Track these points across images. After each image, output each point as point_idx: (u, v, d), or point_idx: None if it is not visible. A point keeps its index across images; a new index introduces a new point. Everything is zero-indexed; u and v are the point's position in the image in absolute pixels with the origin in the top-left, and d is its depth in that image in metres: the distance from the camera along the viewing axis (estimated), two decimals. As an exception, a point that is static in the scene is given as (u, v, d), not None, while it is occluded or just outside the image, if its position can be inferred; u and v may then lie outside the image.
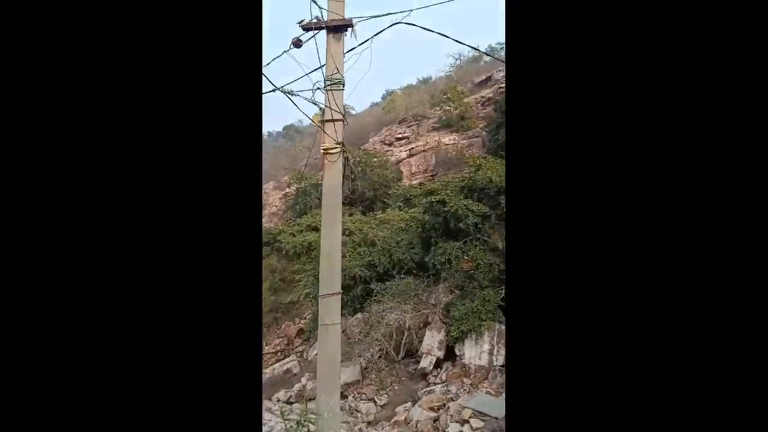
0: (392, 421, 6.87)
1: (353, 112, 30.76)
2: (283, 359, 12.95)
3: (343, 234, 14.24)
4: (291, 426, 3.28)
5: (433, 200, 9.47)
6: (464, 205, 9.04)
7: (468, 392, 7.30)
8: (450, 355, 8.89)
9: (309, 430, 3.10)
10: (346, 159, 3.55)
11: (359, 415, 7.94)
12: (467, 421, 6.08)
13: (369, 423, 7.27)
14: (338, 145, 3.35)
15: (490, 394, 7.06)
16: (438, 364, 8.88)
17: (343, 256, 13.02)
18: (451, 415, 6.34)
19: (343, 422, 7.44)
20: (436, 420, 6.47)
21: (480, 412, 6.24)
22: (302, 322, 14.09)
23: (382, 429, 6.64)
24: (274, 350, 13.53)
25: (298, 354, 13.19)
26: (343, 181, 3.42)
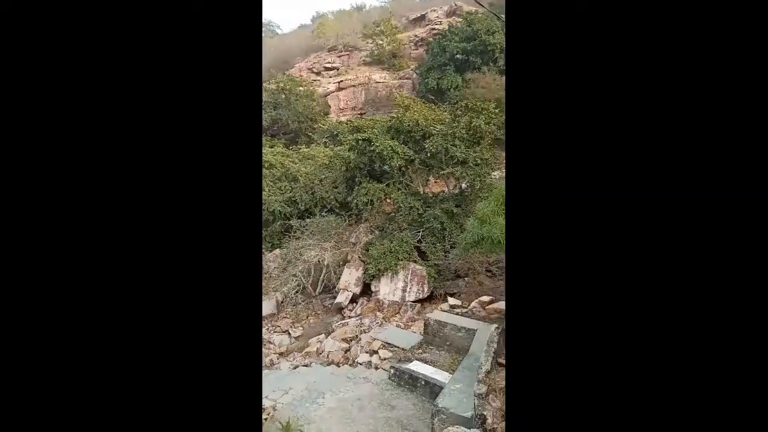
0: (304, 351, 7.06)
1: (279, 32, 27.82)
2: None
3: (264, 167, 13.28)
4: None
5: (360, 138, 9.17)
6: (390, 146, 8.92)
7: (380, 325, 7.74)
8: (366, 291, 9.25)
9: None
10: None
11: (272, 346, 8.04)
12: (376, 352, 6.49)
13: (281, 354, 7.40)
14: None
15: (400, 327, 7.58)
16: (354, 300, 9.21)
17: (263, 190, 12.54)
18: (362, 347, 6.70)
19: (257, 354, 7.52)
20: (347, 351, 6.79)
21: (389, 344, 6.69)
22: None
23: (293, 359, 6.81)
24: None
25: None
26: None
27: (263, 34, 26.04)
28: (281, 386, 5.54)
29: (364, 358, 6.34)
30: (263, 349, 7.79)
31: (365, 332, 7.53)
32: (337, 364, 6.36)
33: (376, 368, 6.02)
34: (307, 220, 10.55)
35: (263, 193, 11.75)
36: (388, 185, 9.59)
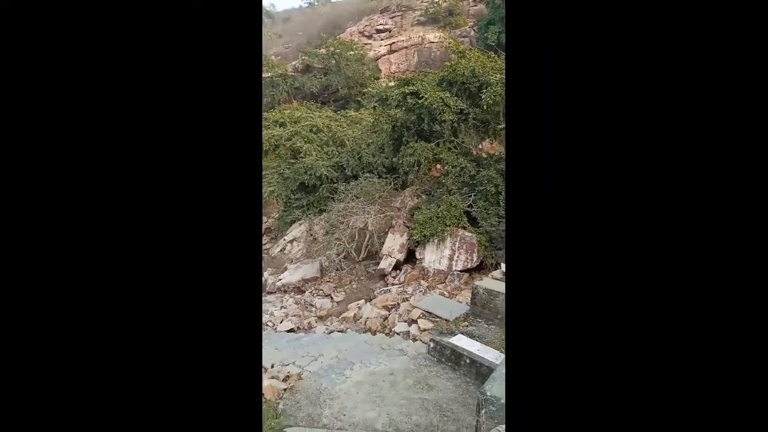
0: (341, 316, 6.50)
1: (331, 0, 26.88)
2: None
3: (311, 131, 13.02)
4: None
5: (407, 91, 8.14)
6: (441, 98, 7.80)
7: (423, 294, 6.96)
8: (410, 258, 8.50)
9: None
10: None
11: (313, 309, 7.65)
12: (415, 321, 5.75)
13: (320, 317, 6.95)
14: None
15: (444, 295, 6.72)
16: (398, 267, 8.55)
17: (309, 155, 12.27)
18: (400, 314, 5.97)
19: (295, 315, 7.11)
20: (385, 318, 6.12)
21: (430, 313, 5.88)
22: (269, 221, 13.69)
23: (331, 323, 6.28)
24: None
25: (265, 251, 13.03)
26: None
27: (314, 1, 25.33)
28: (312, 352, 5.04)
29: (401, 327, 5.62)
30: (304, 312, 7.43)
31: (407, 300, 6.80)
32: (374, 332, 5.72)
33: (414, 340, 5.29)
34: (351, 183, 9.93)
35: (310, 158, 11.66)
36: (437, 144, 8.55)
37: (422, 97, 7.95)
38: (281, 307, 7.90)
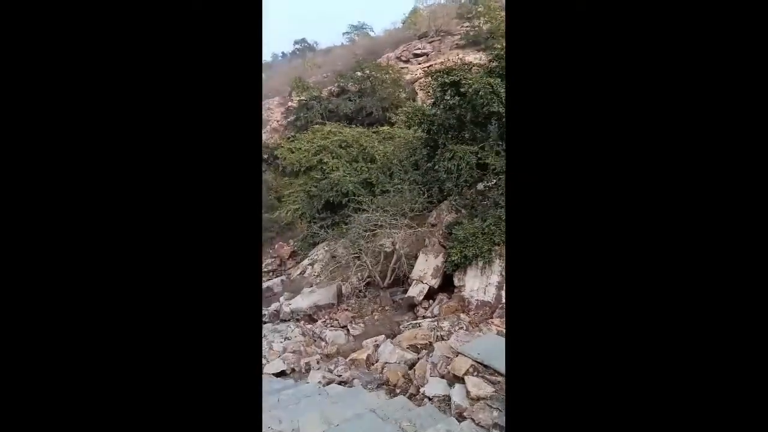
0: (349, 358, 4.52)
1: (372, 34, 26.82)
2: (269, 279, 11.59)
3: (339, 146, 11.74)
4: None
5: (447, 81, 6.47)
6: (488, 84, 6.06)
7: (465, 331, 4.90)
8: (447, 285, 6.52)
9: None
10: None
11: (322, 344, 5.77)
12: (461, 379, 3.30)
13: (326, 356, 5.04)
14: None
15: (502, 336, 4.52)
16: (430, 295, 6.58)
17: (336, 170, 11.04)
18: (434, 363, 3.86)
19: (294, 351, 5.25)
20: (412, 366, 4.07)
21: (485, 366, 3.41)
22: (294, 242, 12.49)
23: (335, 367, 4.34)
24: (265, 269, 12.49)
25: (288, 275, 11.67)
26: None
27: (354, 38, 25.35)
28: (287, 418, 2.91)
29: (437, 386, 3.31)
30: (308, 348, 5.57)
31: (443, 339, 4.77)
32: (392, 388, 3.69)
33: (461, 415, 2.82)
34: (378, 197, 8.28)
35: (337, 173, 10.62)
36: (482, 147, 6.72)
37: (464, 85, 6.25)
38: (285, 338, 6.11)
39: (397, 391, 3.67)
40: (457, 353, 3.83)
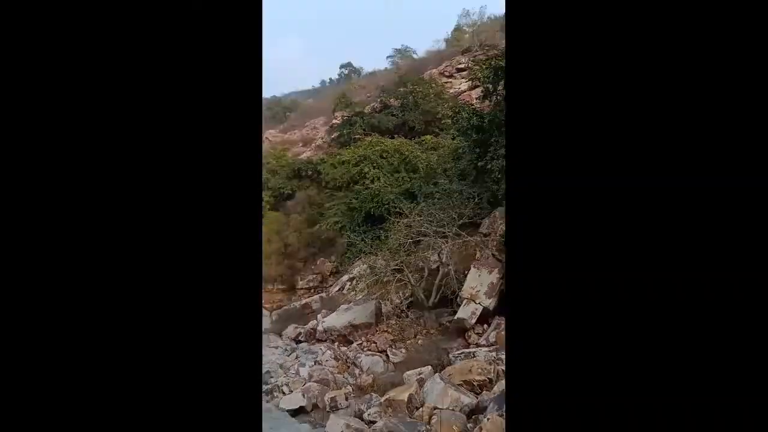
0: (386, 398, 3.40)
1: (415, 56, 26.67)
2: (311, 296, 11.07)
3: (380, 156, 11.01)
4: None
5: (499, 65, 5.46)
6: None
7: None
8: (505, 305, 5.27)
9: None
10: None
11: (356, 371, 4.75)
12: None
13: (360, 388, 3.99)
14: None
15: None
16: (484, 318, 5.39)
17: (377, 180, 10.32)
18: (501, 409, 2.70)
19: (321, 380, 4.26)
20: (471, 414, 2.90)
21: None
22: (335, 258, 11.91)
23: (367, 407, 3.27)
24: (306, 286, 11.96)
25: (327, 291, 11.07)
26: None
27: (399, 60, 25.34)
28: None
29: None
30: (338, 376, 4.58)
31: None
32: None
33: None
34: (421, 204, 7.30)
35: (378, 183, 9.98)
36: (544, 142, 5.56)
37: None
38: (315, 362, 5.17)
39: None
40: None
